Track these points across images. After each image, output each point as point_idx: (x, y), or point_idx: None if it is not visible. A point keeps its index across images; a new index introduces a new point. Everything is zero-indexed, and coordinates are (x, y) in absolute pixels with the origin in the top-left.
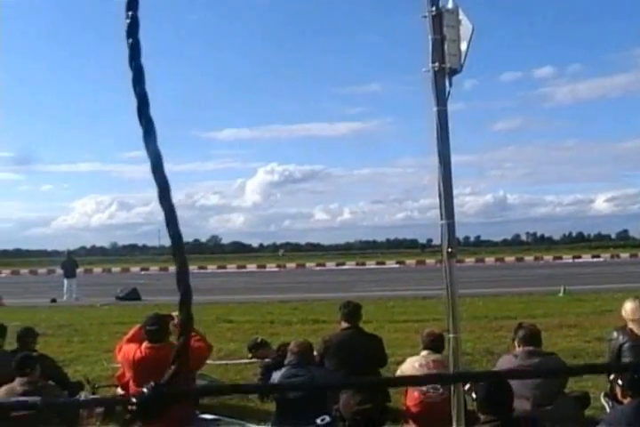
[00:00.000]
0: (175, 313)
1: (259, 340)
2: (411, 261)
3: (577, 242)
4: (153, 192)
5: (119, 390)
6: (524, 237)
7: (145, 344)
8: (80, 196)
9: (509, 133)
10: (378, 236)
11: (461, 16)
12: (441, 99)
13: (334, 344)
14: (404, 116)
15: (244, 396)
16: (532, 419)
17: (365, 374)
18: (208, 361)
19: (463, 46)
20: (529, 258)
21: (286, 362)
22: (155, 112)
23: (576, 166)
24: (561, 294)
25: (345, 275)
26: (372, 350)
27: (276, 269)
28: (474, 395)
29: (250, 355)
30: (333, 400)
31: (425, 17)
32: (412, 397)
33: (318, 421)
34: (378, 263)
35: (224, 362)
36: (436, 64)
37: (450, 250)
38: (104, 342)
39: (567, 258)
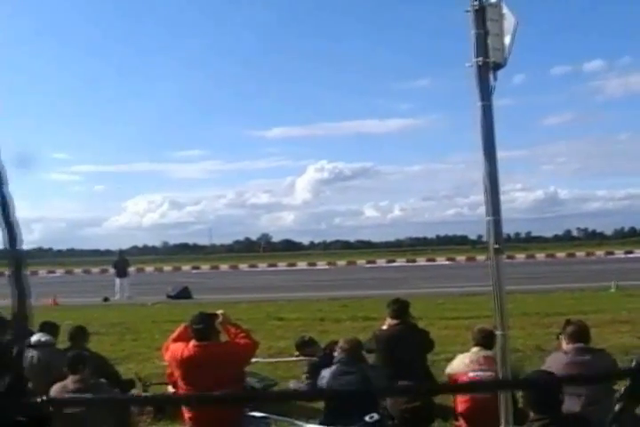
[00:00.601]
0: (220, 311)
1: (306, 338)
2: (461, 258)
3: (629, 237)
4: (204, 191)
5: (170, 388)
6: (575, 233)
7: (192, 343)
8: (132, 195)
9: (560, 128)
10: (428, 232)
11: (505, 10)
12: (485, 93)
13: (384, 339)
14: (453, 112)
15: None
16: (582, 418)
17: (415, 366)
18: (258, 359)
19: (507, 40)
20: (580, 254)
21: (336, 359)
22: (206, 111)
23: (629, 160)
24: (612, 290)
25: (395, 272)
26: (419, 342)
27: (327, 267)
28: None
29: (297, 353)
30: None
31: (468, 11)
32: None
33: (367, 418)
34: (428, 260)
35: (274, 360)
36: (480, 58)
37: (496, 246)
38: (155, 341)
39: (619, 253)
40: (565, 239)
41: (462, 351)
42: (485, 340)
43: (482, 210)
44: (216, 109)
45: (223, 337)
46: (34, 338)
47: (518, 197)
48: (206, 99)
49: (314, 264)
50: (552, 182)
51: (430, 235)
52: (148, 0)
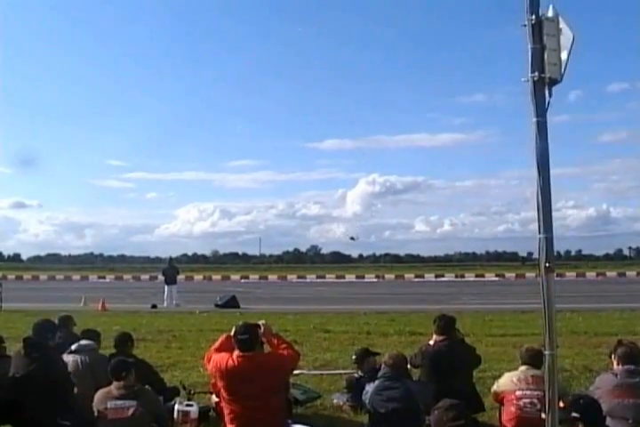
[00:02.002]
0: (262, 322)
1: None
2: (510, 275)
3: None
4: (255, 201)
5: (214, 397)
6: (626, 252)
7: (236, 353)
8: (184, 204)
9: (615, 146)
10: (477, 248)
11: (562, 24)
12: (540, 109)
13: (430, 354)
14: (508, 127)
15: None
16: None
17: (460, 382)
18: (303, 371)
19: (564, 56)
20: (631, 273)
21: (380, 374)
22: (260, 122)
23: None
24: None
25: (443, 287)
26: (466, 358)
27: (375, 280)
28: (574, 414)
29: (355, 364)
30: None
31: (524, 26)
32: (509, 411)
33: None
34: (477, 276)
35: (319, 372)
36: (536, 74)
37: (547, 264)
38: (201, 349)
39: None
40: (616, 258)
41: (509, 369)
42: (533, 359)
43: (533, 226)
44: (270, 121)
45: (265, 348)
46: (75, 345)
47: (570, 214)
48: (260, 110)
49: (362, 277)
50: (604, 200)
51: (480, 250)
52: (200, 18)
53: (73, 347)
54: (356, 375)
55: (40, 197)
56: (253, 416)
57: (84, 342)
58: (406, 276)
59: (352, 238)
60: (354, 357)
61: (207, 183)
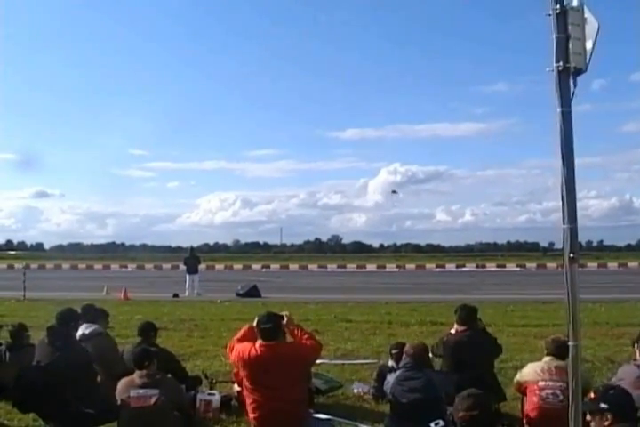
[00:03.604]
0: (285, 313)
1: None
2: (531, 265)
3: None
4: (276, 191)
5: (236, 387)
6: None
7: (259, 342)
8: (205, 193)
9: (638, 135)
10: (499, 238)
11: (587, 14)
12: (565, 99)
13: (451, 344)
14: (529, 117)
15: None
16: None
17: (481, 372)
18: (325, 360)
19: (588, 45)
20: None
21: (401, 364)
22: (281, 111)
23: None
24: None
25: (465, 277)
26: (487, 348)
27: (396, 270)
28: (603, 405)
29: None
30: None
31: (549, 15)
32: (531, 401)
33: (432, 425)
34: (498, 266)
35: (340, 362)
36: (560, 63)
37: (571, 255)
38: (223, 338)
39: None
40: (638, 249)
41: (531, 359)
42: (559, 350)
43: (554, 216)
44: (291, 110)
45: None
46: (79, 332)
47: (592, 204)
48: (282, 99)
49: (383, 267)
50: (628, 190)
51: (501, 240)
52: (223, 5)
53: (78, 334)
54: (389, 365)
55: (62, 186)
56: (275, 406)
57: (87, 328)
58: (427, 266)
59: (394, 192)
60: (394, 351)
61: (229, 173)
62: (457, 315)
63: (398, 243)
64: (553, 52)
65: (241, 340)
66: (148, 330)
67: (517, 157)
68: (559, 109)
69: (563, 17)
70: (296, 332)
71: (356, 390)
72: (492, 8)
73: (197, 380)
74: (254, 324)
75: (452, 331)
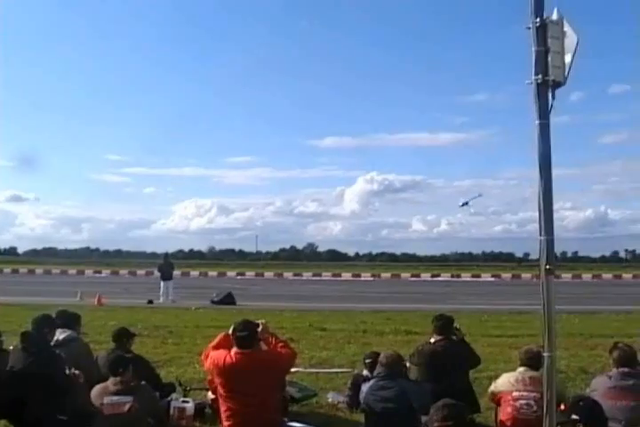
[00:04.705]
0: (261, 321)
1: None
2: (506, 275)
3: None
4: (253, 198)
5: (210, 394)
6: (622, 254)
7: (235, 350)
8: (181, 199)
9: (615, 147)
10: (474, 248)
11: (566, 27)
12: (543, 112)
13: (426, 354)
14: (508, 128)
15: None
16: None
17: (456, 383)
18: (299, 369)
19: (567, 58)
20: (627, 276)
21: (375, 374)
22: (259, 118)
23: None
24: None
25: (439, 286)
26: (463, 358)
27: (371, 279)
28: (574, 416)
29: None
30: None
31: (529, 28)
32: (505, 412)
33: None
34: (473, 276)
35: (315, 370)
36: (540, 76)
37: (548, 267)
38: (197, 345)
39: None
40: (612, 260)
41: (505, 370)
42: (531, 361)
43: (530, 227)
44: (270, 117)
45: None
46: (54, 340)
47: (568, 215)
48: (260, 107)
49: (358, 275)
50: (603, 202)
51: (476, 251)
52: (202, 13)
53: (52, 342)
54: (363, 374)
55: (37, 190)
56: (250, 414)
57: (61, 334)
58: (402, 275)
59: (465, 204)
60: (368, 360)
61: (206, 179)
62: (434, 324)
63: (374, 252)
64: (532, 65)
65: (216, 347)
66: (123, 336)
67: (495, 167)
68: (537, 122)
69: (542, 30)
70: (270, 339)
71: (330, 400)
72: (472, 18)
73: (171, 387)
74: (230, 331)
75: (432, 340)
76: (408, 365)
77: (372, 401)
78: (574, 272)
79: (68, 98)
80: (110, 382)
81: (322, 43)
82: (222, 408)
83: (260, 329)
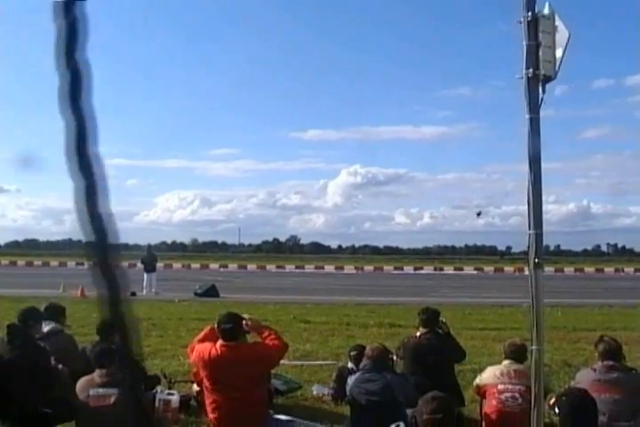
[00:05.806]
0: (245, 315)
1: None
2: (489, 269)
3: None
4: (235, 190)
5: (195, 387)
6: (604, 248)
7: (220, 343)
8: (164, 191)
9: (598, 142)
10: (457, 241)
11: (557, 22)
12: (534, 106)
13: (411, 347)
14: (491, 122)
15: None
16: None
17: (442, 376)
18: (284, 361)
19: (558, 53)
20: (609, 269)
21: (361, 366)
22: (243, 110)
23: None
24: None
25: (422, 279)
26: (448, 351)
27: (354, 272)
28: (557, 410)
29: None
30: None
31: (520, 22)
32: (490, 404)
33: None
34: (456, 269)
35: (299, 363)
36: (530, 70)
37: (536, 260)
38: (181, 338)
39: None
40: (594, 254)
41: (489, 363)
42: (515, 354)
43: (513, 221)
44: (253, 110)
45: (250, 338)
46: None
47: (551, 209)
48: (244, 99)
49: (341, 268)
50: (585, 196)
51: (459, 244)
52: (190, 12)
53: (37, 335)
54: (348, 367)
55: (18, 181)
56: (235, 406)
57: (46, 326)
58: (385, 268)
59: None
60: (353, 353)
61: (189, 171)
62: (419, 318)
63: (357, 244)
64: (523, 59)
65: (202, 340)
66: (107, 329)
67: (478, 161)
68: (527, 116)
69: (534, 24)
70: (263, 332)
71: (315, 392)
72: (456, 14)
73: (156, 379)
74: (215, 325)
75: (417, 333)
76: (395, 358)
77: (357, 394)
78: (557, 266)
79: (49, 88)
80: (96, 375)
81: (304, 38)
82: (208, 401)
83: (249, 323)
